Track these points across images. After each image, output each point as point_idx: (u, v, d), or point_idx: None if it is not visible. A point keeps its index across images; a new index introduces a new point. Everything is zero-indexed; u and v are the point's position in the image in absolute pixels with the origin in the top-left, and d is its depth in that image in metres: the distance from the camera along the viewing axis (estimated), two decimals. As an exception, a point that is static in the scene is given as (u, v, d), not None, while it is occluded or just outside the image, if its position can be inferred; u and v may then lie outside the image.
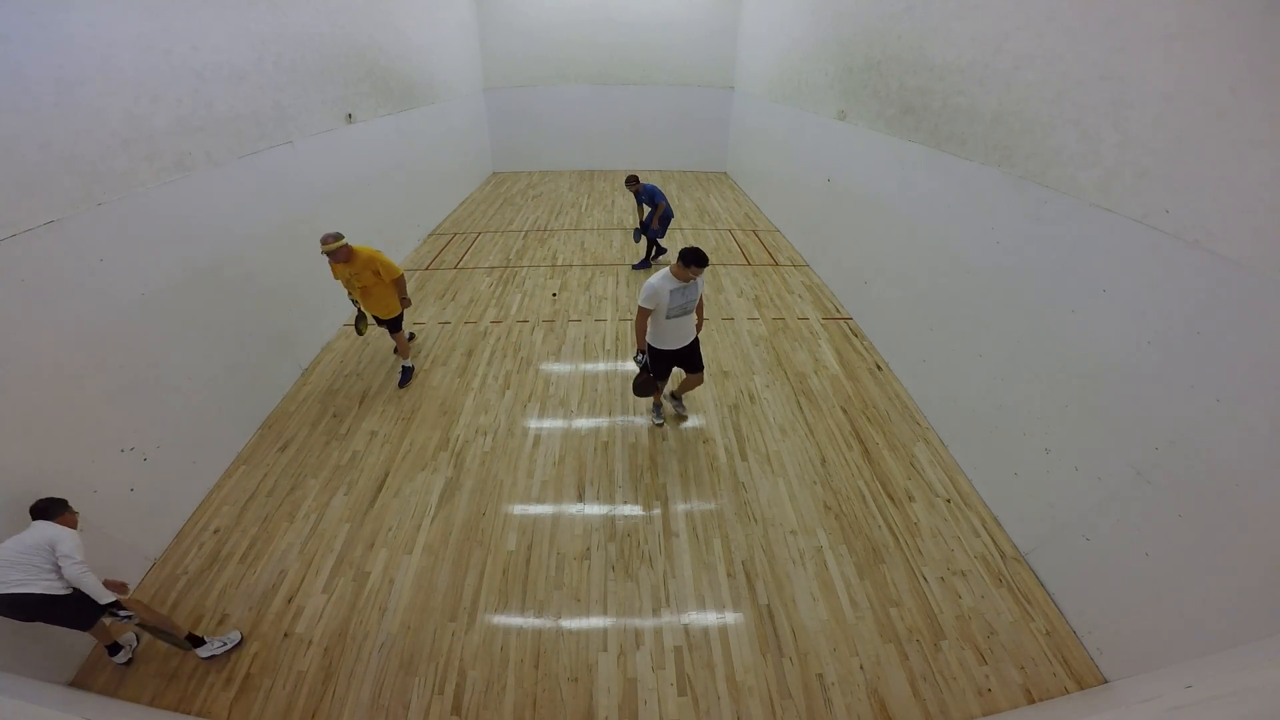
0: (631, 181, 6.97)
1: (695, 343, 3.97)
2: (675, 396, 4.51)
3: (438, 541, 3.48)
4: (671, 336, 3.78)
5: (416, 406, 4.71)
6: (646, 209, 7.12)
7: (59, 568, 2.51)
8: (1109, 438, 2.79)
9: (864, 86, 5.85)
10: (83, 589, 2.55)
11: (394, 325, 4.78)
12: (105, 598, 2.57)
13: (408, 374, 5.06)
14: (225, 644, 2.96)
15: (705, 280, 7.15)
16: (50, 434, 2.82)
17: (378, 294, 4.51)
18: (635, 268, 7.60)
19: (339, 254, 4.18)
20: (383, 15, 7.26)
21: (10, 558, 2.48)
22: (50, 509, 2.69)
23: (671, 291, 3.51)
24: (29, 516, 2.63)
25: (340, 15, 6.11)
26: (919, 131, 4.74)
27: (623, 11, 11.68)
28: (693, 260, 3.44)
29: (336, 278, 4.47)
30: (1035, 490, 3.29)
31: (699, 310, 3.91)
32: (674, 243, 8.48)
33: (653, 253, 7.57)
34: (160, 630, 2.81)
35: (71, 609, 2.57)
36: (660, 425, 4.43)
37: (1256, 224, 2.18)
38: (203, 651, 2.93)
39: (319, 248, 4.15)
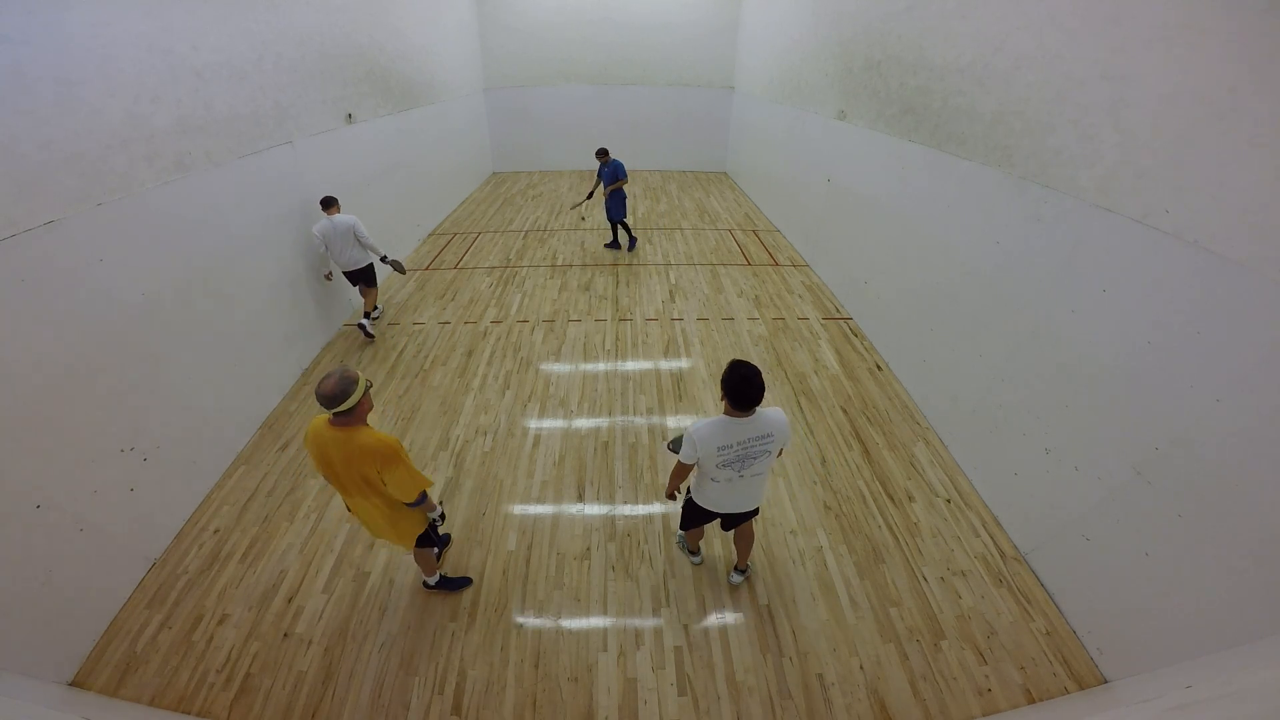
0: (600, 154, 7.54)
1: (754, 512, 2.80)
2: (739, 569, 3.21)
3: (438, 541, 3.49)
4: (717, 497, 2.61)
5: (416, 406, 4.71)
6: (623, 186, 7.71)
7: (358, 242, 5.31)
8: (1109, 438, 2.79)
9: (864, 86, 5.85)
10: (373, 252, 5.46)
11: (422, 541, 2.81)
12: (381, 251, 5.54)
13: (456, 583, 3.21)
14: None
15: (706, 280, 7.29)
16: (50, 434, 2.81)
17: (378, 509, 2.49)
18: (629, 249, 8.25)
19: (351, 414, 2.23)
20: (383, 15, 7.26)
21: (343, 243, 5.23)
22: (331, 202, 5.22)
23: (720, 447, 2.33)
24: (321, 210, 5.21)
25: (340, 15, 6.11)
26: (919, 131, 4.74)
27: (622, 11, 11.68)
28: (730, 389, 2.23)
29: (308, 451, 2.38)
30: (1035, 490, 3.29)
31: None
32: (674, 244, 8.52)
33: (617, 236, 8.24)
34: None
35: (370, 271, 5.59)
36: (699, 564, 3.34)
37: (1256, 224, 2.18)
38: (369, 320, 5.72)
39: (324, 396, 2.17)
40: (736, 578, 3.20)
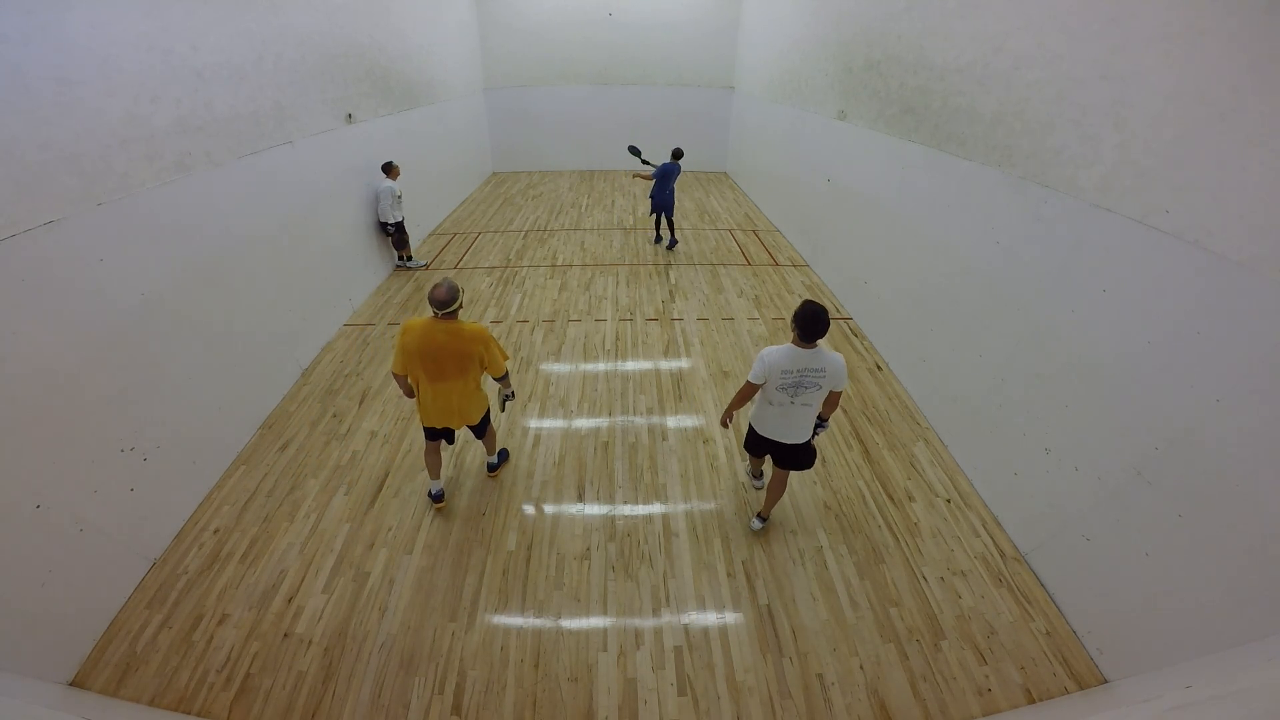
0: (675, 154, 7.66)
1: (805, 445, 3.07)
2: (761, 516, 3.56)
3: (438, 541, 3.48)
4: (772, 423, 3.01)
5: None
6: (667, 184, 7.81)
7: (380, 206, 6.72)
8: (1109, 438, 2.79)
9: (864, 86, 5.85)
10: (383, 218, 6.79)
11: (482, 427, 3.56)
12: (383, 219, 6.87)
13: (502, 458, 4.04)
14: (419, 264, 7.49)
15: (706, 280, 7.29)
16: (50, 434, 2.81)
17: (465, 387, 3.21)
18: (668, 246, 8.34)
19: (455, 313, 3.02)
20: (383, 15, 7.26)
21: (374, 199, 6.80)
22: (386, 167, 6.73)
23: (784, 371, 2.77)
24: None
25: (340, 15, 6.11)
26: (919, 131, 4.74)
27: (623, 11, 11.68)
28: (801, 322, 2.67)
29: (408, 347, 3.02)
30: (1035, 490, 3.29)
31: (830, 404, 2.96)
32: (682, 243, 8.50)
33: (666, 233, 8.36)
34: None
35: (396, 225, 7.01)
36: (761, 488, 3.73)
37: (1256, 224, 2.18)
38: (411, 264, 7.54)
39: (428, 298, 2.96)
40: (757, 524, 3.53)
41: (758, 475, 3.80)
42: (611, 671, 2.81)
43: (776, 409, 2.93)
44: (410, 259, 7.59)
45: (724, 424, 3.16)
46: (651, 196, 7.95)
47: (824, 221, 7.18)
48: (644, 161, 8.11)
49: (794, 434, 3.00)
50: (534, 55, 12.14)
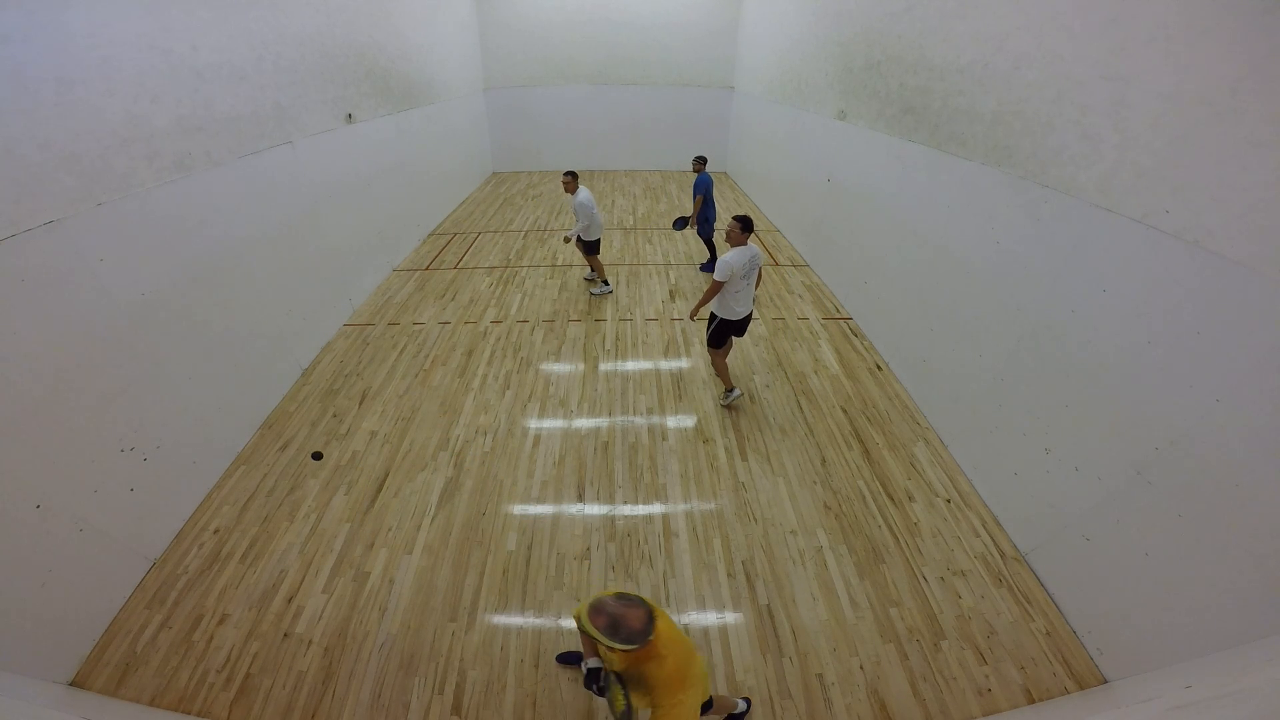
0: (697, 162, 6.87)
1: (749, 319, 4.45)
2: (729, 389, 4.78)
3: (438, 541, 3.48)
4: (742, 305, 4.20)
5: (416, 406, 4.71)
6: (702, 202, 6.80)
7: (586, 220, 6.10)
8: (1109, 438, 2.79)
9: (864, 86, 5.85)
10: (590, 233, 6.19)
11: None
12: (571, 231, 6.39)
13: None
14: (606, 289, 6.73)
15: (706, 280, 7.29)
16: (50, 434, 2.82)
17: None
18: (702, 269, 7.51)
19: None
20: (382, 15, 7.26)
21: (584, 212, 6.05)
22: (574, 179, 6.04)
23: (742, 263, 3.99)
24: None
25: (340, 15, 6.11)
26: (919, 131, 4.74)
27: (622, 11, 11.67)
28: (743, 224, 4.00)
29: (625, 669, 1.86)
30: (1035, 490, 3.29)
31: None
32: (674, 243, 8.51)
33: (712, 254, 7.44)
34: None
35: (587, 244, 6.40)
36: (739, 395, 4.73)
37: (1256, 224, 2.18)
38: (595, 290, 6.72)
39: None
40: (736, 393, 4.70)
41: (731, 388, 4.70)
42: (611, 671, 2.80)
43: (742, 293, 4.14)
44: (599, 280, 6.67)
45: (692, 317, 4.37)
46: (709, 220, 6.92)
47: (824, 221, 7.18)
48: (687, 217, 6.75)
49: (750, 304, 4.28)
50: (534, 55, 12.13)
